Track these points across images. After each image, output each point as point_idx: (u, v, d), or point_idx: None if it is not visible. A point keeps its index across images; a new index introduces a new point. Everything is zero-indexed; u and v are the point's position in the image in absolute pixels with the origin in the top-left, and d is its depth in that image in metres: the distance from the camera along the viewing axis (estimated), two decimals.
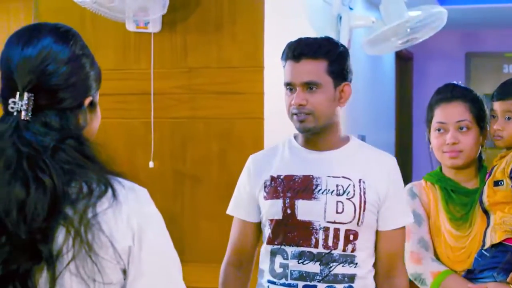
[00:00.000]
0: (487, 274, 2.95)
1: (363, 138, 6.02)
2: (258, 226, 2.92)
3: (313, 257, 2.72)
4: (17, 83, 1.72)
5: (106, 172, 1.76)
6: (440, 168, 3.22)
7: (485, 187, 3.02)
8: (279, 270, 2.77)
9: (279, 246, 2.78)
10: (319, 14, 5.29)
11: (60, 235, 1.65)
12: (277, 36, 4.47)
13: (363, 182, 2.76)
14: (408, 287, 2.90)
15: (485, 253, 2.97)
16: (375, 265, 2.84)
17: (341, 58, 2.80)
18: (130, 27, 4.34)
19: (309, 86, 2.76)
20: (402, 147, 8.92)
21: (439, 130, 3.14)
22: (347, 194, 2.74)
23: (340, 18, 5.66)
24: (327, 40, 2.84)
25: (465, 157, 3.10)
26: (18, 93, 1.71)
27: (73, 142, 1.72)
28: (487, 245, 2.97)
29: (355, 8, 6.17)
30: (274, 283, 2.79)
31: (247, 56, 4.34)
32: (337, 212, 2.73)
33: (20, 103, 1.70)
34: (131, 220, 1.72)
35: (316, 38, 2.86)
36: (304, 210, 2.74)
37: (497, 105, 3.10)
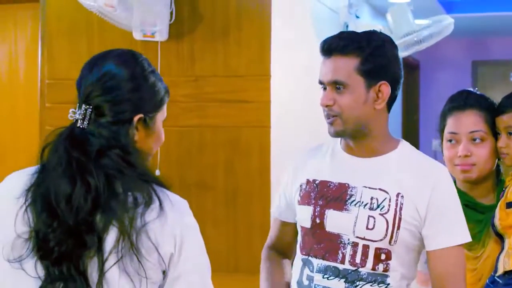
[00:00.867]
0: None
1: None
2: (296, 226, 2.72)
3: (338, 273, 2.49)
4: (80, 97, 2.03)
5: (147, 180, 1.97)
6: (455, 182, 2.86)
7: (497, 210, 2.76)
8: (305, 282, 2.56)
9: (307, 257, 2.57)
10: (326, 23, 5.31)
11: (112, 235, 1.89)
12: (283, 44, 4.48)
13: (402, 196, 2.47)
14: None
15: (497, 279, 2.70)
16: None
17: (377, 55, 2.48)
18: (137, 35, 4.35)
19: (336, 85, 2.48)
20: None
21: (450, 141, 2.89)
22: (380, 209, 2.47)
23: (347, 26, 5.68)
24: (366, 34, 2.53)
25: (478, 171, 2.84)
26: (78, 105, 2.01)
27: (118, 151, 1.96)
28: (500, 271, 2.68)
29: (362, 17, 6.19)
30: None
31: (253, 64, 4.34)
32: (367, 228, 2.47)
33: (78, 113, 1.99)
34: (174, 229, 1.96)
35: (354, 32, 2.57)
36: (334, 221, 2.51)
37: (499, 121, 2.85)
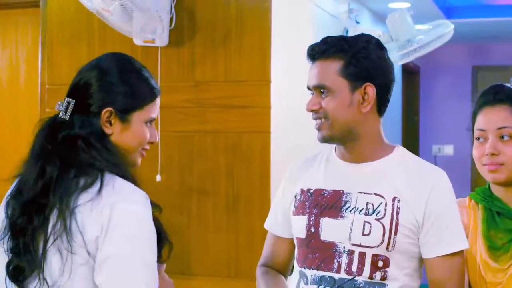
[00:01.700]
0: None
1: None
2: (293, 242, 2.62)
3: (333, 283, 2.41)
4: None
5: (100, 167, 2.10)
6: (489, 186, 2.68)
7: None
8: None
9: (302, 269, 2.50)
10: (326, 28, 5.32)
11: (54, 216, 2.05)
12: (284, 50, 4.49)
13: (398, 200, 2.40)
14: None
15: None
16: None
17: (361, 57, 2.43)
18: (137, 41, 4.36)
19: (321, 89, 2.45)
20: None
21: (478, 139, 2.63)
22: (376, 214, 2.40)
23: (347, 31, 5.69)
24: (352, 37, 2.50)
25: (507, 171, 2.56)
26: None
27: (80, 141, 2.13)
28: None
29: (362, 22, 6.19)
30: None
31: (254, 70, 4.35)
32: (363, 234, 2.39)
33: (61, 104, 2.20)
34: (104, 212, 2.03)
35: (340, 36, 2.52)
36: (329, 229, 2.44)
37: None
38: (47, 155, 2.13)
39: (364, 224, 2.40)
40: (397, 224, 2.39)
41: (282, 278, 2.66)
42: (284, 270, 2.70)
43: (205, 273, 4.44)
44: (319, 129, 2.47)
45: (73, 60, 4.68)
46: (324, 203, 2.48)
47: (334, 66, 2.43)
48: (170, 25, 4.41)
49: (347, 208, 2.44)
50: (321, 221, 2.46)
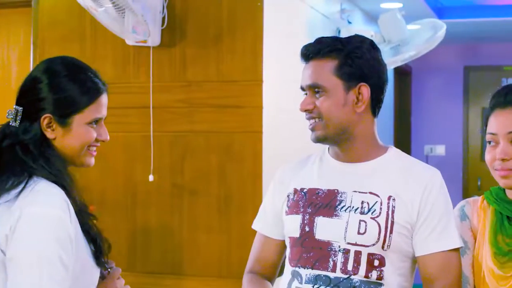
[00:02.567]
0: None
1: None
2: (283, 244, 2.60)
3: (329, 282, 2.38)
4: None
5: (30, 172, 2.15)
6: (504, 190, 2.56)
7: None
8: None
9: (295, 268, 2.47)
10: (318, 28, 5.32)
11: None
12: (276, 50, 4.49)
13: (393, 199, 2.40)
14: None
15: None
16: None
17: (355, 57, 2.42)
18: (129, 41, 4.35)
19: (315, 89, 2.44)
20: None
21: (490, 142, 2.50)
22: (372, 213, 2.39)
23: (339, 31, 5.70)
24: (345, 38, 2.49)
25: None
26: None
27: (18, 147, 2.20)
28: None
29: (354, 22, 6.20)
30: None
31: (246, 70, 4.35)
32: (358, 233, 2.38)
33: (11, 113, 2.28)
34: (14, 213, 2.09)
35: (334, 37, 2.51)
36: (324, 228, 2.42)
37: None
38: None
39: (359, 223, 2.39)
40: (392, 222, 2.38)
41: (268, 285, 2.64)
42: (272, 272, 2.69)
43: (197, 273, 4.44)
44: (313, 129, 2.47)
45: None
46: (318, 202, 2.46)
47: (328, 65, 2.43)
48: (162, 25, 4.40)
49: (342, 207, 2.42)
50: (315, 220, 2.44)
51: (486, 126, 2.54)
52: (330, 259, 2.40)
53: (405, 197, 2.41)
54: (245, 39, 4.35)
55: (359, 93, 2.43)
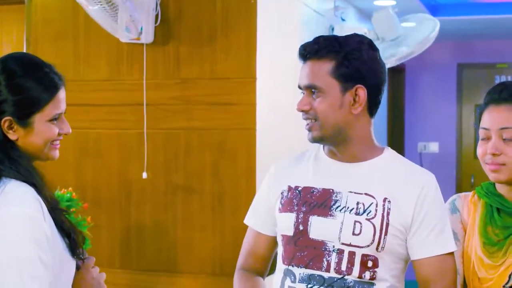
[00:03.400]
0: None
1: None
2: (275, 240, 2.59)
3: (323, 282, 2.38)
4: None
5: (9, 176, 2.13)
6: (494, 184, 2.66)
7: None
8: None
9: (287, 267, 2.45)
10: (312, 25, 5.32)
11: None
12: (270, 47, 4.49)
13: (389, 201, 2.39)
14: None
15: None
16: None
17: (353, 58, 2.41)
18: (123, 38, 4.35)
19: (312, 90, 2.43)
20: None
21: (482, 137, 2.59)
22: (367, 214, 2.38)
23: (333, 29, 5.70)
24: (344, 37, 2.47)
25: (509, 171, 2.54)
26: None
27: None
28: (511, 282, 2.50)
29: (347, 19, 6.20)
30: None
31: (240, 67, 4.35)
32: (353, 234, 2.38)
33: None
34: None
35: (332, 36, 2.49)
36: (318, 228, 2.41)
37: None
38: None
39: (354, 224, 2.38)
40: (387, 224, 2.38)
41: (260, 281, 2.64)
42: (264, 267, 2.67)
43: (191, 270, 4.44)
44: (309, 129, 2.46)
45: (59, 58, 4.67)
46: (313, 201, 2.45)
47: (325, 66, 2.41)
48: (156, 22, 4.40)
49: (337, 207, 2.41)
50: (310, 219, 2.43)
51: (480, 121, 2.60)
52: (324, 259, 2.39)
53: (401, 199, 2.40)
54: (239, 37, 4.35)
55: (356, 95, 2.42)
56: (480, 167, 2.61)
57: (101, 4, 4.06)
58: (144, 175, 4.46)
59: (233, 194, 4.35)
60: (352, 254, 2.37)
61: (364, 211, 2.39)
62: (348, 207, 2.40)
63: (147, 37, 4.37)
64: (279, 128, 4.61)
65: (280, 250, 2.53)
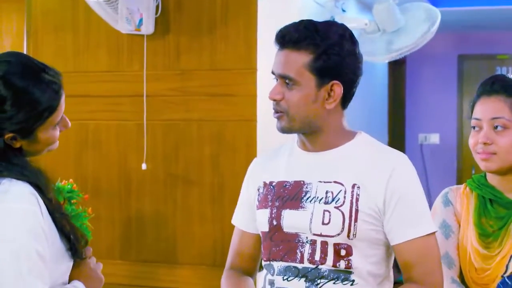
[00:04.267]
0: None
1: None
2: (260, 238, 2.56)
3: (297, 273, 2.36)
4: None
5: (10, 176, 2.11)
6: (485, 175, 2.73)
7: None
8: (267, 287, 2.44)
9: (268, 262, 2.45)
10: (312, 16, 5.29)
11: None
12: (270, 38, 4.45)
13: (358, 187, 2.33)
14: None
15: (507, 281, 2.55)
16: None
17: (332, 53, 2.32)
18: (123, 29, 4.34)
19: (286, 80, 2.36)
20: None
21: (474, 127, 2.67)
22: (336, 202, 2.33)
23: (333, 20, 5.68)
24: (325, 27, 2.37)
25: (499, 160, 2.60)
26: None
27: None
28: (509, 271, 2.55)
29: (348, 10, 6.18)
30: None
31: (240, 58, 4.34)
32: (323, 223, 2.33)
33: None
34: None
35: (312, 24, 2.38)
36: (290, 221, 2.39)
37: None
38: None
39: (323, 213, 2.34)
40: (356, 211, 2.32)
41: (247, 280, 2.62)
42: (253, 266, 2.66)
43: (191, 262, 4.44)
44: (278, 119, 2.41)
45: (58, 49, 4.67)
46: (285, 195, 2.42)
47: (303, 58, 2.34)
48: (156, 13, 4.39)
49: (307, 198, 2.38)
50: (282, 213, 2.40)
51: (472, 112, 2.70)
52: (298, 251, 2.37)
53: (370, 184, 2.34)
54: (239, 27, 4.34)
55: (331, 90, 2.36)
56: None
57: None
58: (144, 166, 4.46)
59: (233, 186, 4.34)
60: (324, 244, 2.33)
61: (333, 200, 2.34)
62: (317, 197, 2.36)
63: (148, 28, 4.36)
64: None
65: (262, 246, 2.53)
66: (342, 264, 2.33)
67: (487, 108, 2.64)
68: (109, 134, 4.60)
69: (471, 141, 2.68)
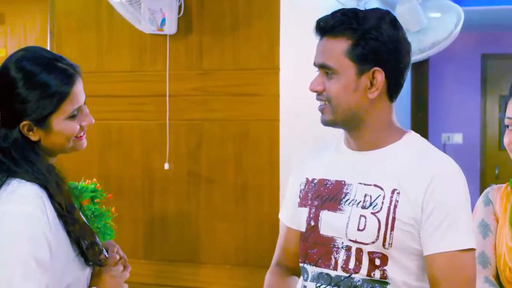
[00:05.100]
0: None
1: None
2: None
3: (330, 281, 2.23)
4: None
5: (10, 174, 2.11)
6: None
7: None
8: None
9: (303, 264, 2.32)
10: None
11: None
12: (292, 37, 4.48)
13: (398, 193, 2.16)
14: None
15: None
16: None
17: (370, 38, 2.18)
18: (146, 29, 4.35)
19: (325, 70, 2.22)
20: None
21: (508, 126, 2.55)
22: (373, 207, 2.18)
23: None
24: (363, 13, 2.23)
25: None
26: None
27: (1, 152, 2.16)
28: None
29: None
30: None
31: (262, 58, 4.34)
32: (358, 229, 2.18)
33: None
34: None
35: (351, 10, 2.24)
36: (328, 223, 2.25)
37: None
38: None
39: (360, 218, 2.19)
40: (393, 218, 2.15)
41: (290, 280, 2.49)
42: (296, 263, 2.44)
43: (214, 261, 4.45)
44: (321, 111, 2.26)
45: (82, 49, 4.68)
46: (325, 195, 2.28)
47: (340, 45, 2.19)
48: (179, 13, 4.40)
49: (346, 201, 2.23)
50: (320, 214, 2.27)
51: (505, 111, 2.55)
52: (332, 256, 2.23)
53: (410, 190, 2.16)
54: (262, 27, 4.34)
55: (373, 78, 2.20)
56: (505, 158, 2.62)
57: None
58: (166, 166, 4.46)
59: (256, 185, 4.34)
60: (359, 251, 2.19)
61: (370, 204, 2.19)
62: (356, 200, 2.22)
63: (170, 28, 4.37)
64: (302, 119, 4.59)
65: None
66: (377, 274, 2.18)
67: None
68: (132, 134, 4.61)
69: (506, 140, 2.56)
